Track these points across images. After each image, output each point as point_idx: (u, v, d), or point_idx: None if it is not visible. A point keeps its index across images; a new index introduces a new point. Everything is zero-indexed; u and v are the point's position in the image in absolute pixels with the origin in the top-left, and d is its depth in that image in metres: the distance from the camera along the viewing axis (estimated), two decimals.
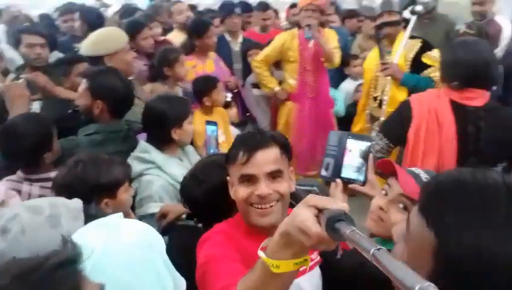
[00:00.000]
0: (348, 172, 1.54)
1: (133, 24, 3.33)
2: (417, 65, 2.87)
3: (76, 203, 1.10)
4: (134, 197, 1.72)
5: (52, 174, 1.62)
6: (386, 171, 1.32)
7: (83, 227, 0.92)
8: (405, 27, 2.95)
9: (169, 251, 0.98)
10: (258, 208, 1.24)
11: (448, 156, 1.83)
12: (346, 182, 1.53)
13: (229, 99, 3.27)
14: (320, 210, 0.78)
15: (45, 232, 0.99)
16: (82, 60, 2.63)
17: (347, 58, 4.21)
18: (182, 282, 0.97)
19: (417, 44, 2.93)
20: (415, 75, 2.87)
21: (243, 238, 1.26)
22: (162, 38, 3.92)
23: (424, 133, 1.92)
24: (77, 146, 1.90)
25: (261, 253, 0.86)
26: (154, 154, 1.90)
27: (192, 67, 3.38)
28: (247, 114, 3.86)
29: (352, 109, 4.08)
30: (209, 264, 1.14)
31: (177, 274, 0.96)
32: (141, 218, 1.74)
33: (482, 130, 1.87)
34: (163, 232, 1.54)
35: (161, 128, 1.91)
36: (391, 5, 2.94)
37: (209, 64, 3.53)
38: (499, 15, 3.85)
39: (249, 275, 0.90)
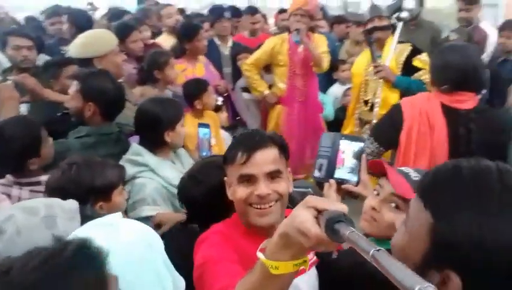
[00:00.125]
0: (341, 173, 1.56)
1: (123, 27, 3.31)
2: (408, 68, 2.93)
3: (72, 204, 1.09)
4: (127, 200, 1.70)
5: (43, 178, 1.60)
6: (376, 172, 1.34)
7: (81, 227, 0.91)
8: (393, 32, 3.01)
9: (167, 253, 0.98)
10: (257, 208, 1.24)
11: (440, 157, 1.86)
12: (340, 182, 1.55)
13: (220, 103, 3.27)
14: (319, 211, 0.78)
15: (41, 233, 0.98)
16: (72, 62, 2.60)
17: (335, 63, 4.25)
18: (182, 283, 0.96)
19: (407, 48, 3.00)
20: (406, 78, 2.93)
21: (241, 238, 1.25)
22: (152, 41, 3.91)
23: (415, 136, 1.95)
24: (68, 149, 1.88)
25: (260, 254, 0.85)
26: (147, 157, 1.89)
27: (182, 71, 3.37)
28: (237, 118, 3.86)
29: (340, 113, 4.12)
30: (207, 265, 1.13)
31: (177, 274, 0.96)
32: None
33: (473, 132, 1.91)
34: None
35: (154, 130, 1.90)
36: (380, 10, 2.99)
37: (199, 68, 3.53)
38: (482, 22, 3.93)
39: (248, 277, 0.90)
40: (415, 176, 1.24)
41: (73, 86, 2.01)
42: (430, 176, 0.74)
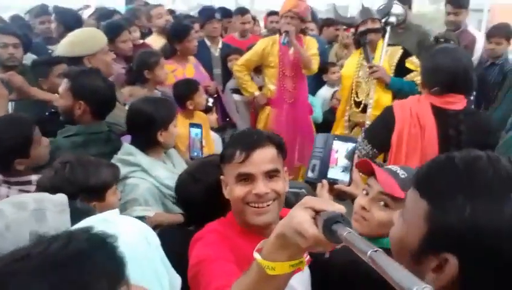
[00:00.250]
0: (333, 173, 1.57)
1: (112, 26, 3.28)
2: (400, 70, 2.98)
3: (61, 197, 1.08)
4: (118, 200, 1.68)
5: (34, 177, 1.57)
6: (365, 171, 1.36)
7: (79, 223, 0.89)
8: (383, 36, 3.05)
9: None
10: (254, 207, 1.24)
11: (431, 158, 1.88)
12: (332, 182, 1.56)
13: (210, 104, 3.26)
14: (317, 212, 0.78)
15: (30, 227, 0.97)
16: (61, 61, 2.57)
17: (325, 65, 4.28)
18: (178, 280, 0.96)
19: (399, 50, 3.05)
20: (400, 79, 2.98)
21: (237, 237, 1.25)
22: (141, 41, 3.88)
23: (406, 136, 1.98)
24: (58, 148, 1.85)
25: (256, 255, 0.85)
26: (139, 156, 1.87)
27: (172, 72, 3.35)
28: (227, 119, 3.86)
29: (329, 115, 4.15)
30: (203, 265, 1.12)
31: (173, 272, 0.95)
32: None
33: (463, 133, 1.95)
34: None
35: (147, 130, 1.89)
36: (372, 13, 3.02)
37: (189, 69, 3.51)
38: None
39: (244, 277, 0.89)
40: (402, 174, 1.27)
41: (63, 84, 1.99)
42: (425, 168, 0.77)
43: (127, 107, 2.44)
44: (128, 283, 0.68)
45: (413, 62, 2.96)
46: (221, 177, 1.32)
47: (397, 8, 3.19)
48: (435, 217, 0.71)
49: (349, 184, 1.55)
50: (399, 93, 2.88)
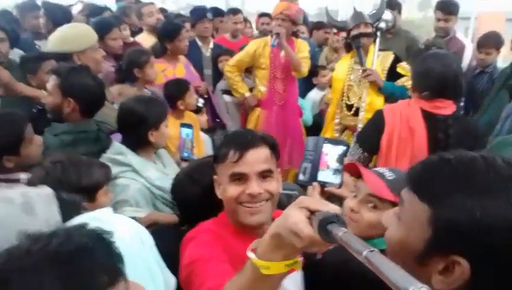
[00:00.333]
0: (324, 175, 1.58)
1: (102, 23, 3.23)
2: (392, 75, 3.02)
3: (47, 189, 1.08)
4: None
5: (23, 175, 1.54)
6: (353, 174, 1.37)
7: (73, 220, 0.88)
8: (374, 40, 3.08)
9: None
10: (247, 207, 1.24)
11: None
12: (323, 185, 1.56)
13: (200, 105, 3.24)
14: (312, 212, 0.78)
15: (21, 220, 0.98)
16: (50, 57, 2.53)
17: (315, 68, 4.30)
18: (172, 279, 0.95)
19: (390, 55, 3.09)
20: (392, 83, 3.01)
21: (230, 237, 1.25)
22: (132, 39, 3.85)
23: (396, 140, 2.01)
24: (46, 147, 1.81)
25: (251, 254, 0.85)
26: (130, 156, 1.85)
27: (162, 71, 3.33)
28: (217, 120, 3.84)
29: (318, 118, 4.17)
30: (196, 264, 1.12)
31: (168, 272, 0.94)
32: None
33: (451, 137, 1.98)
34: None
35: (138, 130, 1.87)
36: (364, 17, 3.05)
37: (180, 69, 3.49)
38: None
39: (237, 277, 0.89)
40: (389, 175, 1.28)
41: (52, 81, 1.95)
42: (420, 170, 0.77)
43: (115, 106, 2.42)
44: (125, 279, 0.69)
45: (403, 67, 3.00)
46: (214, 177, 1.31)
47: (387, 14, 3.23)
48: (440, 220, 0.71)
49: (340, 187, 1.56)
50: (390, 97, 2.91)
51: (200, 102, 3.23)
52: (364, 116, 2.93)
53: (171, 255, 1.13)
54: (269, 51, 3.60)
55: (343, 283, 1.20)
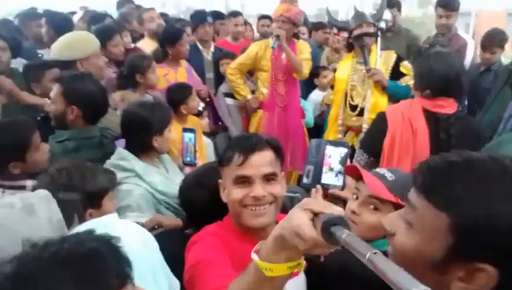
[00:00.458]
0: (327, 178, 1.59)
1: (104, 30, 3.26)
2: (395, 74, 3.02)
3: (42, 191, 1.11)
4: None
5: (29, 183, 1.56)
6: (353, 176, 1.37)
7: (78, 227, 0.90)
8: (376, 40, 3.08)
9: None
10: (251, 209, 1.25)
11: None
12: (326, 187, 1.57)
13: (200, 108, 3.26)
14: (315, 214, 0.79)
15: (24, 221, 0.99)
16: (54, 65, 2.55)
17: (317, 69, 4.30)
18: (176, 283, 0.96)
19: (393, 55, 3.09)
20: (395, 82, 3.02)
21: (234, 240, 1.26)
22: (133, 45, 3.87)
23: (399, 140, 2.00)
24: (51, 154, 1.83)
25: (254, 256, 0.86)
26: (134, 162, 1.86)
27: (164, 76, 3.35)
28: (219, 123, 3.86)
29: (320, 119, 4.17)
30: (199, 267, 1.13)
31: (172, 275, 0.95)
32: None
33: (453, 136, 1.97)
34: None
35: (142, 135, 1.89)
36: (366, 17, 3.05)
37: (181, 73, 3.51)
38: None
39: (241, 278, 0.90)
40: (390, 176, 1.29)
41: (55, 89, 1.97)
42: (430, 176, 0.74)
43: (118, 112, 2.44)
44: (133, 283, 0.70)
45: (406, 67, 3.00)
46: (219, 180, 1.33)
47: (386, 14, 3.23)
48: (462, 228, 0.69)
49: (343, 189, 1.57)
50: (394, 97, 2.90)
51: (200, 106, 3.24)
52: (368, 116, 2.91)
53: (175, 258, 1.14)
54: (270, 53, 3.61)
55: (346, 285, 1.20)
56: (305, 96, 4.32)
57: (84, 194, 1.38)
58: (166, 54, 3.47)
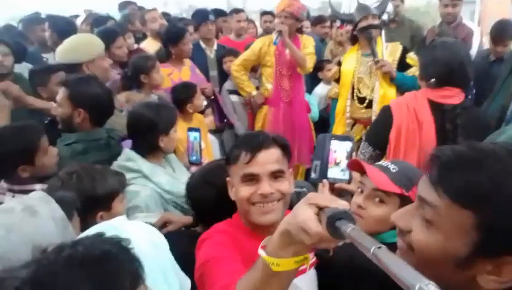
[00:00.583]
0: (333, 172, 1.59)
1: (107, 33, 3.27)
2: (402, 66, 3.01)
3: (38, 192, 1.12)
4: None
5: (38, 187, 1.57)
6: (357, 170, 1.37)
7: (87, 230, 0.91)
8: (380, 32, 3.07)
9: None
10: (260, 207, 1.26)
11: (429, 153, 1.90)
12: (332, 182, 1.58)
13: (202, 107, 3.27)
14: (321, 208, 0.79)
15: (29, 223, 1.00)
16: (59, 69, 2.57)
17: (321, 63, 4.28)
18: (187, 282, 0.97)
19: (399, 46, 3.08)
20: (403, 74, 3.00)
21: (243, 237, 1.27)
22: (136, 46, 3.88)
23: (405, 132, 1.99)
24: (59, 158, 1.85)
25: (261, 251, 0.87)
26: (140, 162, 1.88)
27: (168, 75, 3.36)
28: (224, 120, 3.87)
29: (325, 113, 4.15)
30: (209, 264, 1.14)
31: (182, 274, 0.96)
32: None
33: (459, 127, 1.96)
34: None
35: (148, 135, 1.90)
36: (370, 10, 3.03)
37: (185, 72, 3.53)
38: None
39: (249, 274, 0.91)
40: (393, 168, 1.29)
41: (61, 93, 1.99)
42: (447, 172, 0.71)
43: (123, 113, 2.46)
44: (145, 284, 0.71)
45: (412, 58, 2.99)
46: (227, 178, 1.34)
47: (388, 6, 3.22)
48: (489, 225, 0.68)
49: (349, 182, 1.57)
50: (402, 88, 2.88)
51: (204, 103, 3.26)
52: (377, 108, 2.89)
53: (186, 257, 1.14)
54: (274, 49, 3.61)
55: (353, 278, 1.21)
56: (309, 90, 4.31)
57: (95, 197, 1.39)
58: (169, 54, 3.48)
